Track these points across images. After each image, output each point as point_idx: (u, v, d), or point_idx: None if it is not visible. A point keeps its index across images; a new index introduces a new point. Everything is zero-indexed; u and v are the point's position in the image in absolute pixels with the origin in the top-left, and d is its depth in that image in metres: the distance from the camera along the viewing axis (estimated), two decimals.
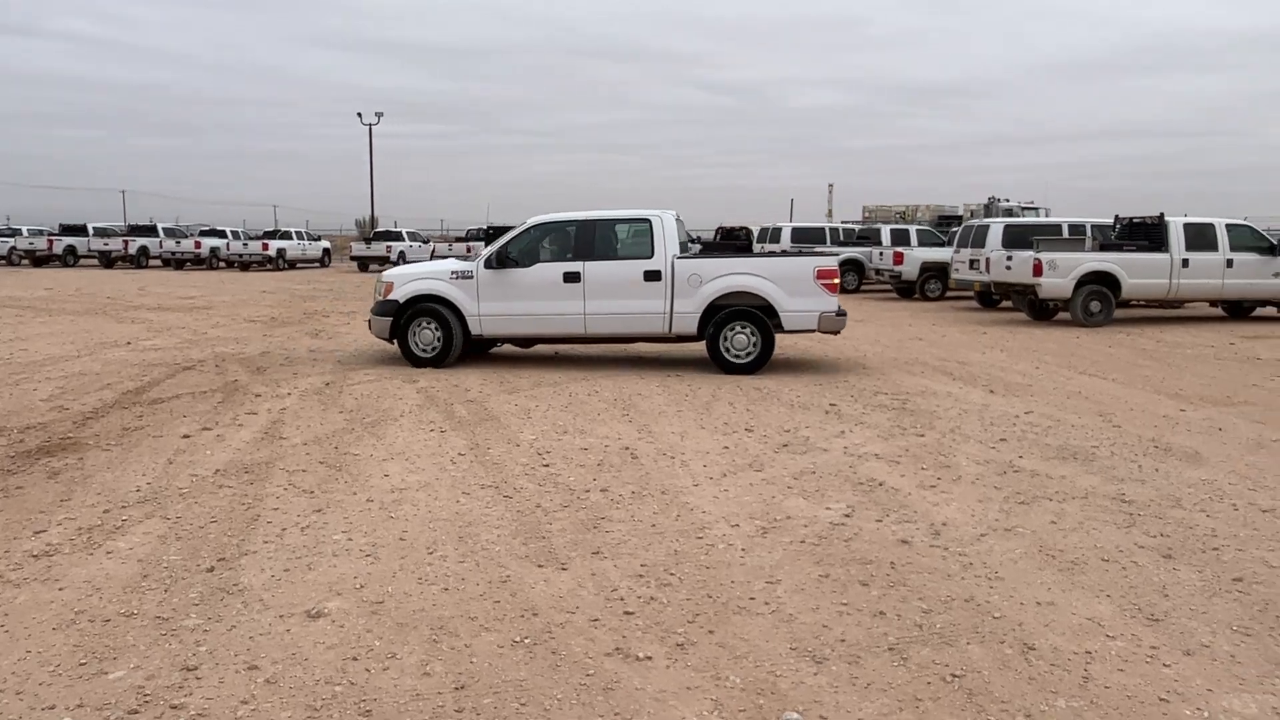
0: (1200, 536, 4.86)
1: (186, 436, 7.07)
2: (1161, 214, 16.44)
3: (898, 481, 5.91)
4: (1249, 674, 3.38)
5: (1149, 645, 3.61)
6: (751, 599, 4.05)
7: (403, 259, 37.85)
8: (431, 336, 10.67)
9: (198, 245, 37.71)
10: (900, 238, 24.53)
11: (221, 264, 37.83)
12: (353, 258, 38.33)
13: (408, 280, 10.83)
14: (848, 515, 5.22)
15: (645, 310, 10.42)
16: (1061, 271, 15.57)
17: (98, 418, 7.75)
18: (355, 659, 3.49)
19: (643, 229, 10.61)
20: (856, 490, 5.72)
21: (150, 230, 39.48)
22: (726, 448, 6.82)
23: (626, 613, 3.90)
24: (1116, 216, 17.95)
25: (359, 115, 49.01)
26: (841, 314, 10.52)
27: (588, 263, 10.47)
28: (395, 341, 10.84)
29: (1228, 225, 16.40)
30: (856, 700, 3.20)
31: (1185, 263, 15.89)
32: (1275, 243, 16.65)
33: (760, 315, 10.31)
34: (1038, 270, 15.60)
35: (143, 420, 7.67)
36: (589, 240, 10.56)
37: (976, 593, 4.13)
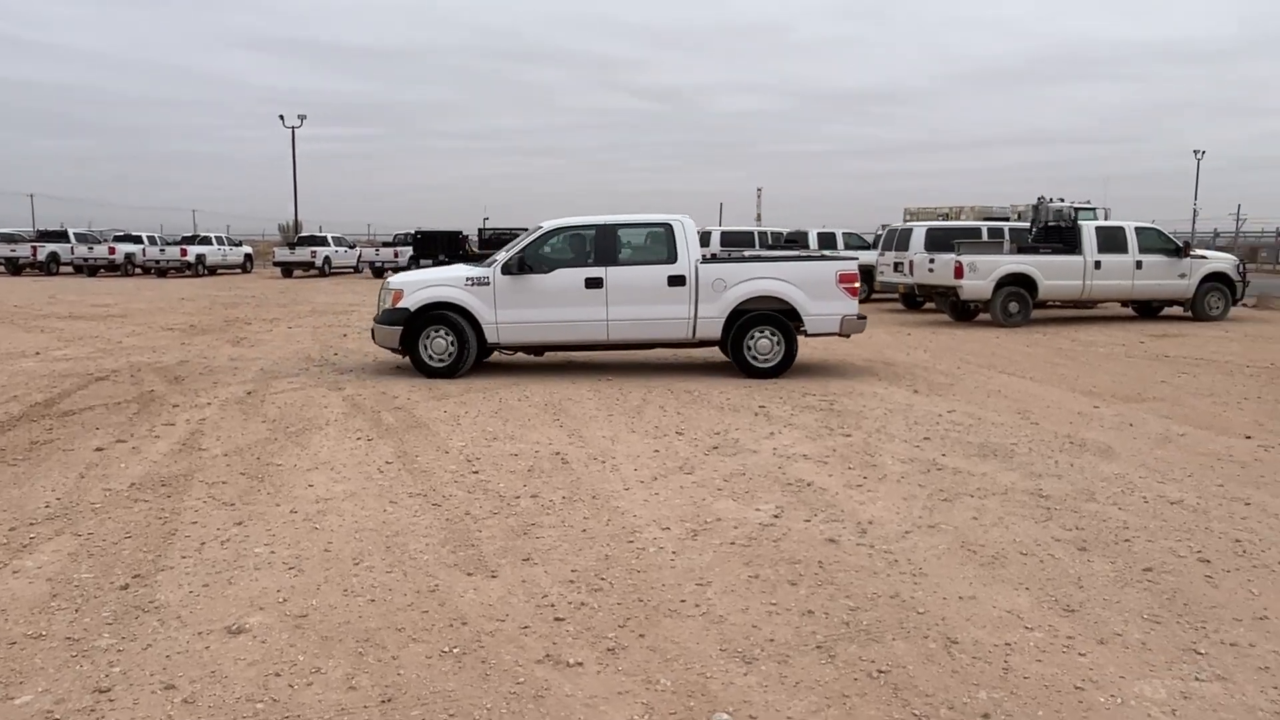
0: (1113, 529, 5.04)
1: (99, 449, 6.82)
2: (1075, 217, 17.00)
3: (825, 481, 6.00)
4: (1158, 660, 3.51)
5: (1065, 635, 3.72)
6: (682, 601, 4.07)
7: (328, 264, 37.19)
8: (445, 345, 10.23)
9: (112, 251, 36.41)
10: (827, 242, 24.93)
11: (137, 270, 36.58)
12: (276, 263, 37.45)
13: (419, 288, 10.34)
14: (777, 516, 5.28)
15: (669, 316, 10.28)
16: (981, 274, 16.00)
17: (3, 432, 7.43)
18: (278, 675, 3.41)
19: (663, 233, 10.46)
20: (785, 491, 5.79)
21: (61, 235, 37.98)
22: (657, 451, 6.84)
23: (557, 619, 3.88)
24: (1032, 220, 18.52)
25: (281, 118, 48.01)
26: (862, 317, 10.68)
27: (610, 268, 10.26)
28: (403, 352, 10.41)
29: (1137, 228, 17.04)
30: (785, 699, 3.23)
31: (1098, 264, 16.47)
32: (1181, 245, 17.37)
33: (783, 319, 10.33)
34: (959, 272, 16.01)
35: (52, 433, 7.37)
36: (610, 245, 10.36)
37: (901, 589, 4.21)
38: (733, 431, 7.51)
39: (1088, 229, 16.63)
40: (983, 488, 5.86)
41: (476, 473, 6.23)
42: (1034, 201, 32.50)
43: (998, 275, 16.04)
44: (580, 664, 3.49)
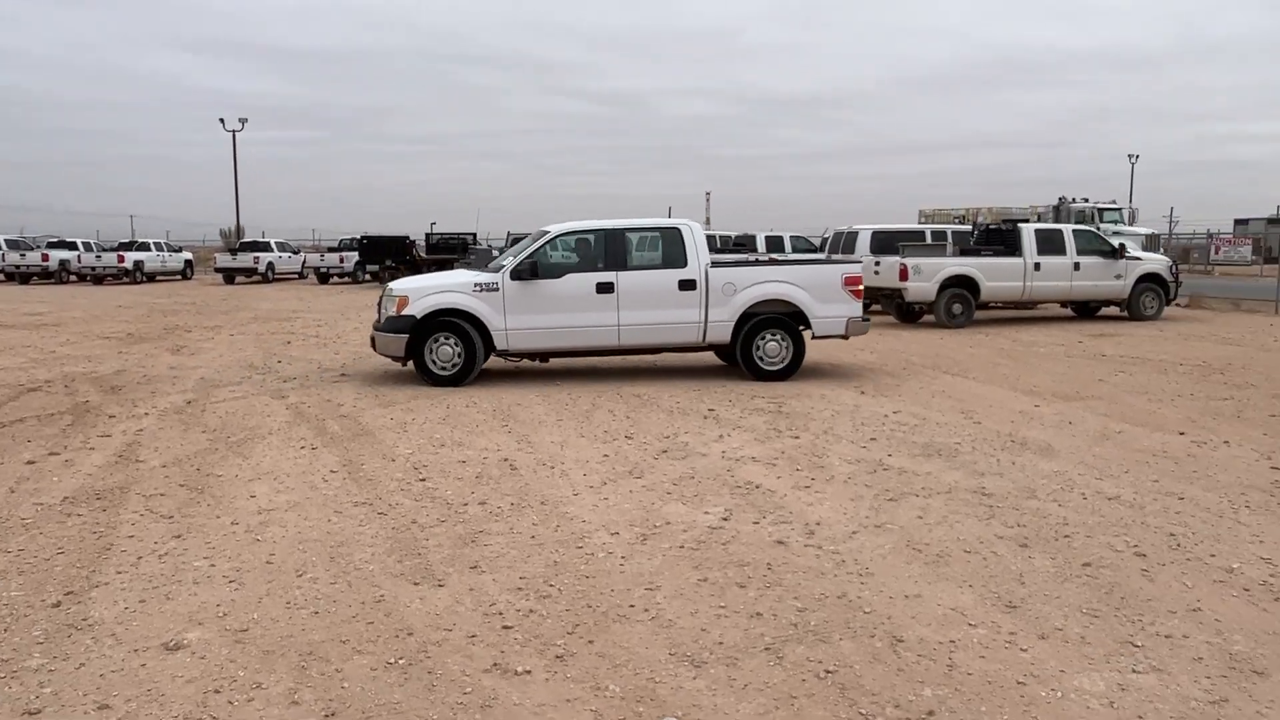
0: (1053, 525, 5.14)
1: (31, 463, 6.61)
2: (1015, 219, 17.36)
3: (774, 483, 6.03)
4: (1097, 654, 3.58)
5: (1007, 631, 3.79)
6: (631, 606, 4.06)
7: (271, 270, 36.55)
8: (451, 353, 9.98)
9: (45, 258, 35.35)
10: (774, 245, 25.16)
11: (72, 278, 35.55)
12: (217, 269, 36.67)
13: (425, 294, 10.05)
14: (725, 518, 5.29)
15: (680, 320, 10.25)
16: (926, 276, 16.26)
17: None
18: (217, 691, 3.32)
19: (674, 237, 10.41)
20: (734, 493, 5.81)
21: None
22: (606, 455, 6.82)
23: (505, 627, 3.85)
24: (974, 223, 18.86)
25: (221, 121, 47.11)
26: (866, 319, 10.79)
27: (621, 273, 10.17)
28: (405, 360, 10.16)
29: (1074, 230, 17.47)
30: (734, 702, 3.24)
31: (1037, 266, 16.83)
32: (1116, 246, 17.82)
33: (790, 322, 10.40)
34: (903, 275, 16.25)
35: None
36: (620, 249, 10.28)
37: (849, 589, 4.24)
38: (682, 435, 7.52)
39: (1027, 231, 16.99)
40: (927, 487, 5.94)
41: (423, 480, 6.15)
42: (1054, 202, 31.53)
43: (941, 277, 16.31)
44: (528, 672, 3.46)
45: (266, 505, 5.59)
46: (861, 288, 10.73)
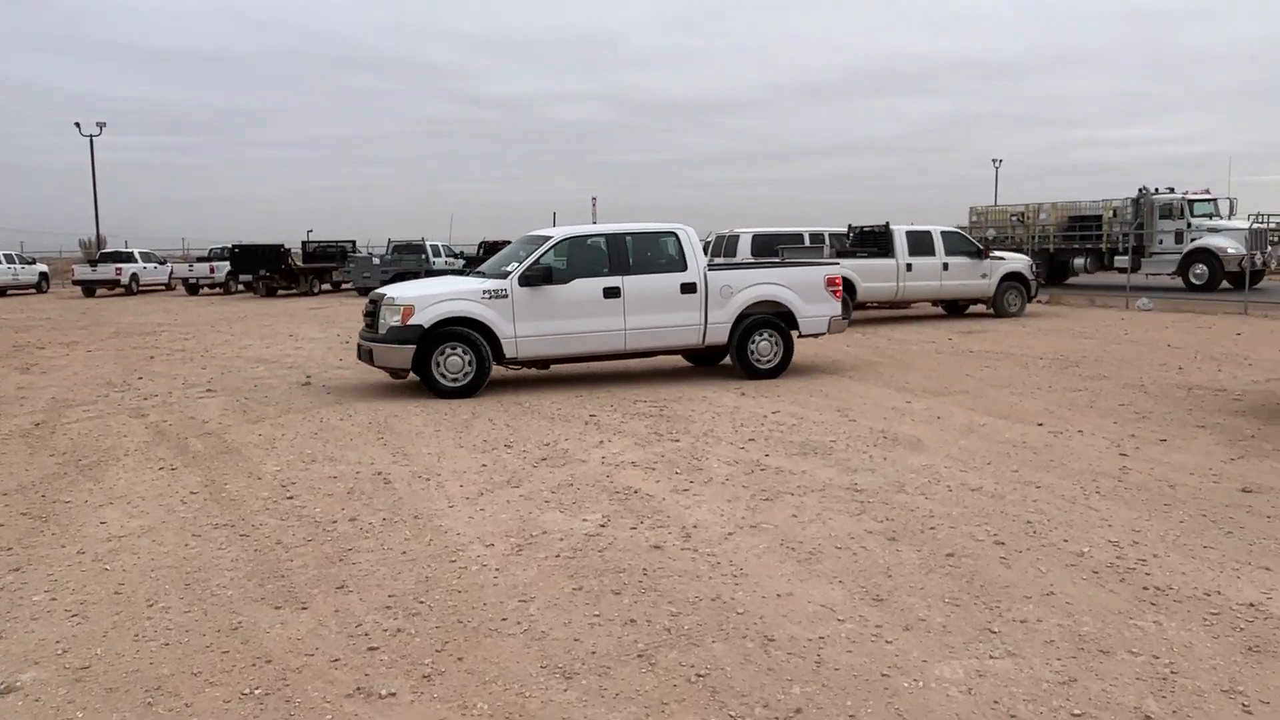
0: (920, 518, 5.30)
1: None
2: (887, 223, 17.97)
3: (653, 488, 6.04)
4: (957, 642, 3.69)
5: (874, 624, 3.87)
6: (504, 620, 3.97)
7: (135, 282, 34.78)
8: (461, 363, 9.61)
9: None
10: None
11: None
12: (76, 282, 34.62)
13: (433, 302, 9.64)
14: (603, 525, 5.26)
15: (683, 323, 10.38)
16: None
17: None
18: None
19: (671, 241, 10.54)
20: (613, 499, 5.78)
21: None
22: (484, 465, 6.70)
23: (371, 648, 3.71)
24: (849, 225, 19.43)
25: (77, 125, 44.55)
26: (846, 316, 11.15)
27: (626, 277, 10.16)
28: (405, 373, 9.82)
29: (943, 231, 18.17)
30: (604, 712, 3.20)
31: (909, 267, 17.45)
32: (982, 247, 18.64)
33: (780, 323, 10.71)
34: None
35: None
36: (623, 254, 10.25)
37: (723, 591, 4.27)
38: (562, 442, 7.46)
39: (899, 233, 17.59)
40: (803, 485, 6.04)
41: (291, 498, 5.91)
42: (1134, 194, 25.00)
43: None
44: (393, 694, 3.34)
45: (118, 531, 5.27)
46: (840, 287, 11.24)
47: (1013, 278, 18.54)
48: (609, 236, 10.41)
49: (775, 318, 10.78)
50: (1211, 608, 3.98)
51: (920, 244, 17.65)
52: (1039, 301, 20.53)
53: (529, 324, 9.86)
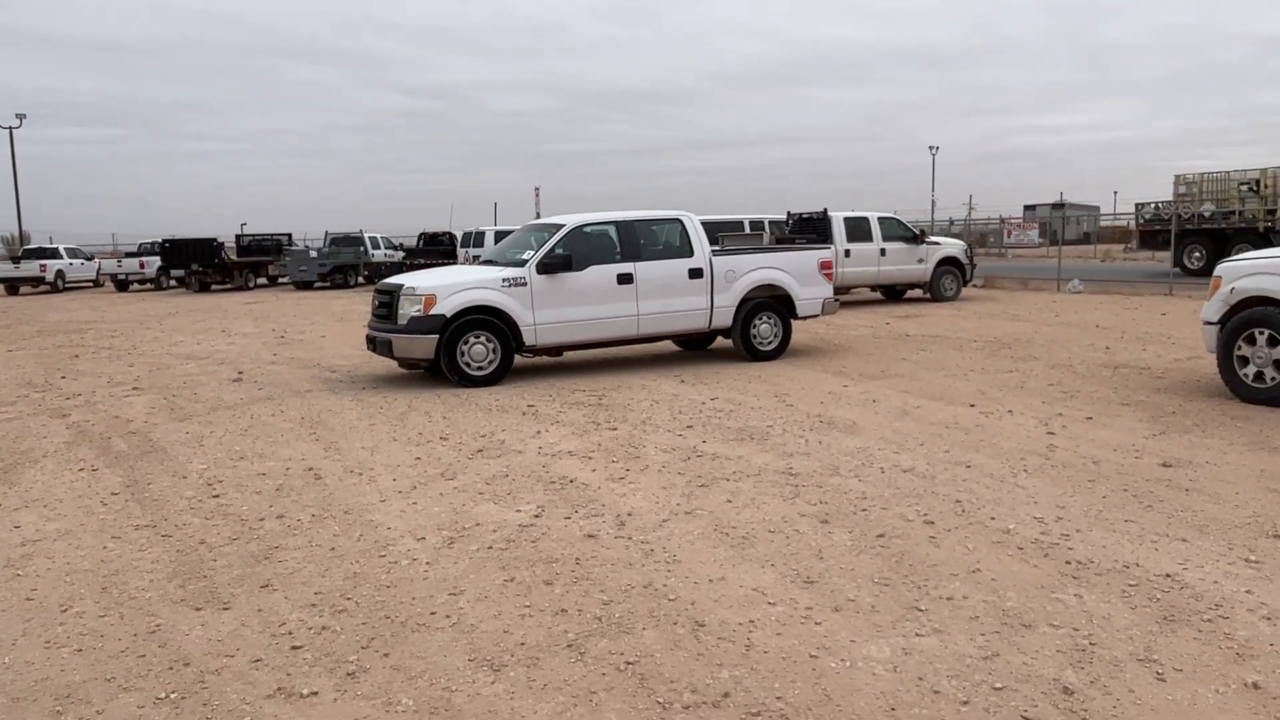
0: (853, 500, 5.34)
1: None
2: (825, 210, 18.12)
3: (589, 477, 6.00)
4: (884, 621, 3.73)
5: (804, 606, 3.89)
6: (432, 614, 3.91)
7: (61, 278, 33.68)
8: (485, 351, 9.63)
9: None
10: None
11: None
12: None
13: (454, 291, 9.56)
14: (537, 515, 5.21)
15: (691, 307, 10.57)
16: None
17: None
18: None
19: (677, 228, 10.72)
20: (548, 489, 5.74)
21: None
22: (419, 459, 6.61)
23: (294, 647, 3.63)
24: (788, 213, 19.56)
25: None
26: (837, 299, 11.59)
27: (638, 263, 10.29)
28: (425, 364, 9.79)
29: (879, 218, 18.40)
30: (532, 704, 3.17)
31: (848, 253, 17.63)
32: (918, 233, 18.90)
33: (779, 306, 11.04)
34: None
35: None
36: (633, 241, 10.37)
37: (655, 578, 4.25)
38: (499, 433, 7.38)
39: (837, 220, 17.77)
40: (739, 470, 6.06)
41: (217, 496, 5.76)
42: None
43: None
44: (315, 693, 3.26)
45: (32, 535, 5.08)
46: (832, 271, 11.65)
47: (948, 262, 18.85)
48: (619, 224, 10.49)
49: (775, 301, 11.06)
50: (1130, 579, 4.07)
51: (858, 230, 17.85)
52: (974, 285, 20.90)
53: (547, 311, 9.90)
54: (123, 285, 33.83)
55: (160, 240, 32.05)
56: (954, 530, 4.77)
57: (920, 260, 18.46)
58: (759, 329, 11.01)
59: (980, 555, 4.41)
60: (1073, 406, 7.85)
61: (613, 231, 10.49)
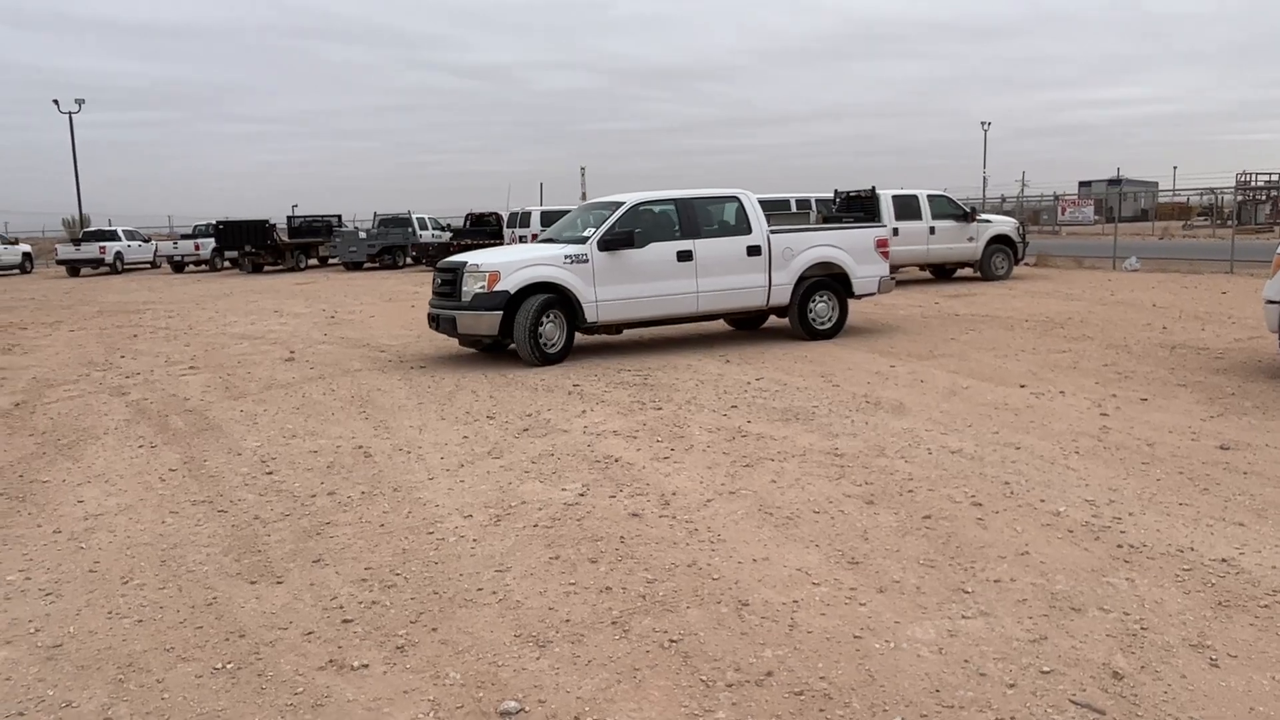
0: (899, 481, 5.30)
1: None
2: (873, 187, 17.88)
3: (633, 456, 6.03)
4: (930, 603, 3.70)
5: (849, 587, 3.88)
6: (479, 590, 3.97)
7: (120, 260, 34.52)
8: (554, 330, 9.74)
9: None
10: None
11: None
12: (60, 261, 34.34)
13: (518, 267, 9.63)
14: (582, 494, 5.25)
15: (750, 285, 10.58)
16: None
17: None
18: (21, 714, 3.08)
19: (735, 205, 10.76)
20: (593, 468, 5.78)
21: None
22: (466, 437, 6.69)
23: (345, 621, 3.71)
24: (836, 191, 19.33)
25: (56, 103, 43.95)
26: (892, 277, 11.60)
27: (697, 241, 10.31)
28: (493, 340, 9.94)
29: (929, 195, 18.10)
30: (577, 679, 3.20)
31: (896, 231, 17.35)
32: (968, 210, 18.58)
33: (836, 284, 11.04)
34: None
35: None
36: (692, 218, 10.39)
37: (699, 557, 4.27)
38: (545, 412, 7.44)
39: (885, 198, 17.51)
40: (783, 451, 6.04)
41: (270, 473, 5.89)
42: None
43: None
44: (366, 666, 3.34)
45: (95, 510, 5.25)
46: (888, 249, 11.58)
47: (1000, 240, 18.51)
48: (678, 202, 10.48)
49: (831, 279, 11.03)
50: (1184, 564, 3.99)
51: (907, 208, 17.59)
52: (1026, 264, 20.52)
53: (608, 288, 9.92)
54: (179, 266, 34.58)
55: (214, 222, 32.66)
56: (1002, 512, 4.71)
57: (971, 238, 18.15)
58: (816, 308, 11.00)
59: (1029, 538, 4.35)
60: (1127, 387, 7.69)
61: (672, 209, 10.47)
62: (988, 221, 18.79)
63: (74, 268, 33.63)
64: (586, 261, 9.85)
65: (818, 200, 20.16)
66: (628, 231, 9.97)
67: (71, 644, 3.59)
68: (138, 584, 4.16)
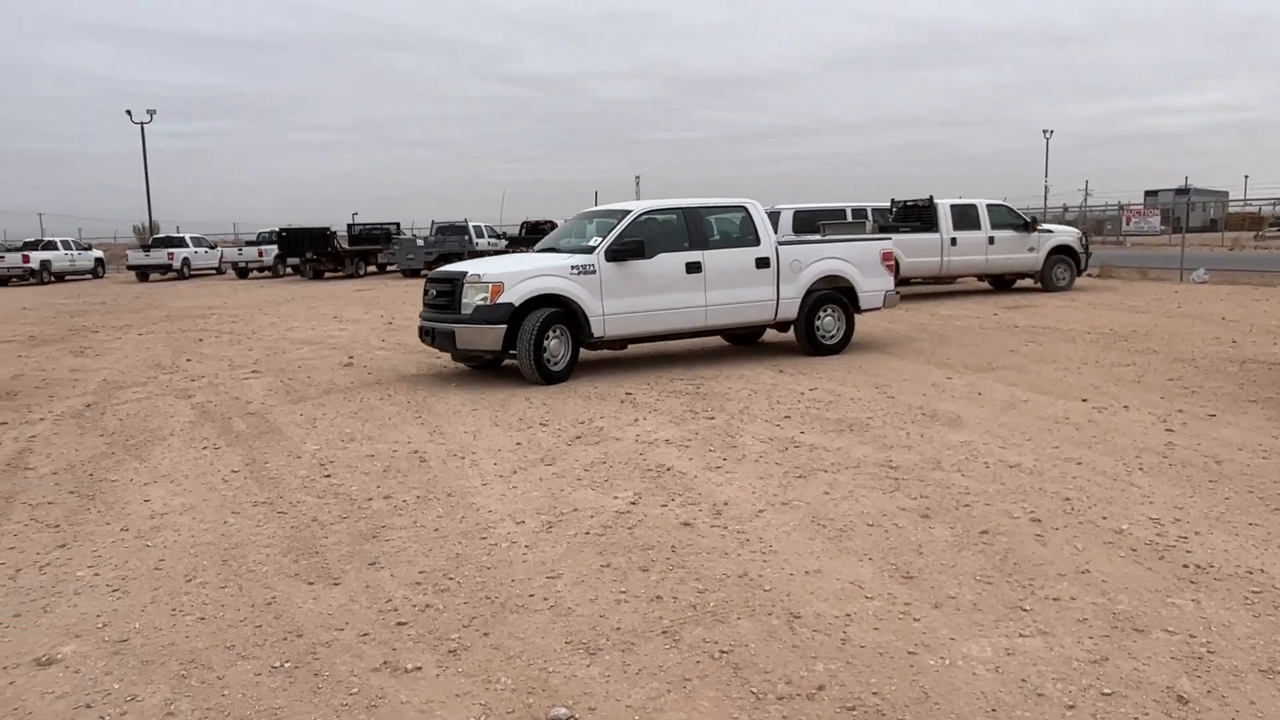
0: (955, 495, 5.22)
1: None
2: (931, 197, 17.65)
3: (685, 465, 6.02)
4: (987, 620, 3.63)
5: (903, 602, 3.82)
6: (531, 596, 4.00)
7: (187, 266, 35.49)
8: (560, 346, 9.24)
9: None
10: None
11: None
12: (130, 267, 35.47)
13: (523, 279, 9.09)
14: (634, 503, 5.26)
15: (758, 298, 10.23)
16: None
17: None
18: (89, 706, 3.18)
19: (742, 215, 10.40)
20: (645, 477, 5.78)
21: None
22: (519, 444, 6.74)
23: (399, 623, 3.76)
24: (892, 200, 19.13)
25: (129, 113, 45.43)
26: (897, 291, 11.32)
27: (706, 252, 9.94)
28: (495, 356, 9.46)
29: (988, 205, 17.81)
30: (626, 688, 3.21)
31: (954, 241, 17.15)
32: (1029, 220, 18.24)
33: (843, 298, 10.73)
34: None
35: None
36: (700, 228, 10.02)
37: (750, 568, 4.25)
38: (597, 420, 7.47)
39: (943, 207, 17.28)
40: (837, 462, 5.98)
41: (328, 476, 6.00)
42: None
43: None
44: (419, 668, 3.38)
45: (160, 509, 5.40)
46: (894, 262, 11.28)
47: (1061, 251, 18.14)
48: (686, 210, 10.10)
49: (838, 293, 10.74)
50: (1254, 586, 3.87)
51: (965, 218, 17.34)
52: (1089, 275, 20.08)
53: (616, 301, 9.42)
54: (243, 272, 35.44)
55: (277, 229, 33.41)
56: (1062, 529, 4.61)
57: (1031, 248, 17.82)
58: (823, 322, 10.62)
59: (1090, 555, 4.25)
60: (1194, 402, 7.48)
61: (679, 218, 10.02)
62: (1049, 231, 18.43)
63: (143, 273, 34.66)
64: (594, 272, 9.35)
65: (874, 209, 19.95)
66: (637, 241, 9.48)
67: (137, 639, 3.69)
68: (200, 582, 4.27)
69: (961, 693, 3.10)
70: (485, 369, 10.15)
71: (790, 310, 10.47)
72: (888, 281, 11.07)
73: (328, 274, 31.99)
